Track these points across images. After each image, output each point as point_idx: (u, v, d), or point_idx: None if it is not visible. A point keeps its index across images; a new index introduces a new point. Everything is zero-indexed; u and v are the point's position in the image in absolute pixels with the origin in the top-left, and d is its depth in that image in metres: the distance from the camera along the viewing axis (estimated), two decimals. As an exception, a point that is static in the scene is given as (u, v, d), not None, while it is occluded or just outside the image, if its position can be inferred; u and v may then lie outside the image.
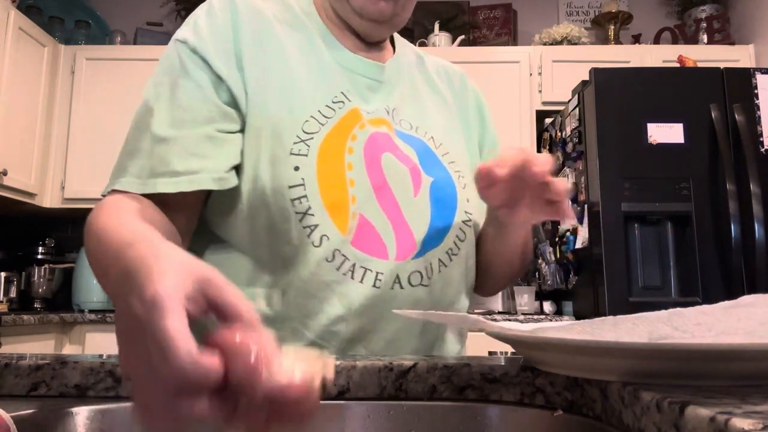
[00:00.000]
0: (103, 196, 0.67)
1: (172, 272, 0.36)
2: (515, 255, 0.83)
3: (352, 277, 0.68)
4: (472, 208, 0.79)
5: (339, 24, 0.79)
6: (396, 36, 0.88)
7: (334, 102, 0.73)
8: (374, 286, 0.68)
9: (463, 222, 0.77)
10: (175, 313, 0.33)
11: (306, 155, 0.68)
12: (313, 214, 0.67)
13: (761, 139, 2.31)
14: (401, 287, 0.70)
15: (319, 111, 0.71)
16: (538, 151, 2.98)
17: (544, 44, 3.17)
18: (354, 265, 0.68)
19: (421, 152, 0.76)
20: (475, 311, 2.72)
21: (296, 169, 0.67)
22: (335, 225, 0.68)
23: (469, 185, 0.79)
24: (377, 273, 0.69)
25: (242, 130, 0.70)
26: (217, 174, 0.66)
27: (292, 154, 0.68)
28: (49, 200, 2.98)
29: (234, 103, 0.69)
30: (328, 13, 0.80)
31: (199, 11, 0.73)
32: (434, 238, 0.73)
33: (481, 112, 0.91)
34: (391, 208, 0.71)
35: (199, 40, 0.69)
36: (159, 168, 0.64)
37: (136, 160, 0.65)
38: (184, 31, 0.71)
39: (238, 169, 0.69)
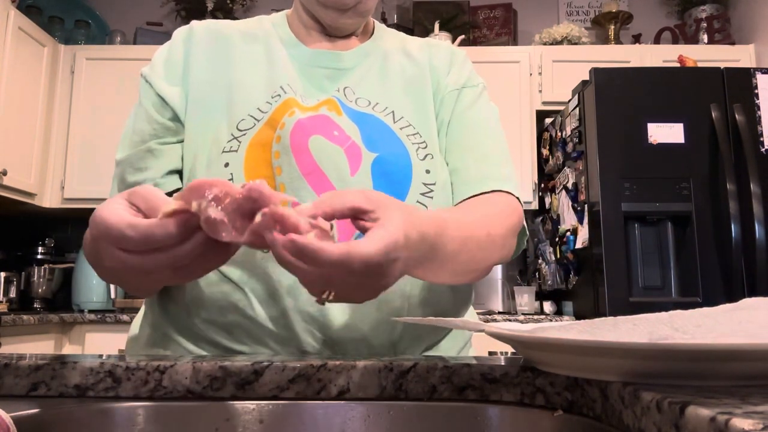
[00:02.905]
0: None
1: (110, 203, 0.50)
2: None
3: None
4: (434, 177, 0.76)
5: (307, 25, 0.84)
6: (381, 27, 0.90)
7: (272, 97, 0.76)
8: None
9: (421, 194, 0.75)
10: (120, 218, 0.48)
11: (236, 151, 0.72)
12: None
13: (761, 139, 2.31)
14: None
15: (258, 108, 0.75)
16: (539, 151, 2.98)
17: (545, 44, 3.17)
18: None
19: (371, 129, 0.76)
20: (475, 311, 2.71)
21: (226, 165, 0.72)
22: None
23: (435, 155, 0.78)
24: None
25: (184, 140, 0.77)
26: (154, 181, 0.74)
27: (224, 152, 0.73)
28: (49, 200, 2.98)
29: (176, 118, 0.77)
30: (299, 17, 0.85)
31: (164, 44, 0.83)
32: None
33: (451, 60, 0.87)
34: (326, 191, 0.71)
35: (151, 69, 0.80)
36: (121, 186, 0.76)
37: (113, 185, 0.79)
38: (147, 66, 0.82)
39: (182, 174, 0.77)
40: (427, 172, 0.76)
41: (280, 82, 0.78)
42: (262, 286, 0.70)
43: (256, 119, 0.74)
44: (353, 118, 0.76)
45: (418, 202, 0.75)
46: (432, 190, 0.76)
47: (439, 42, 0.92)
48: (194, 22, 0.84)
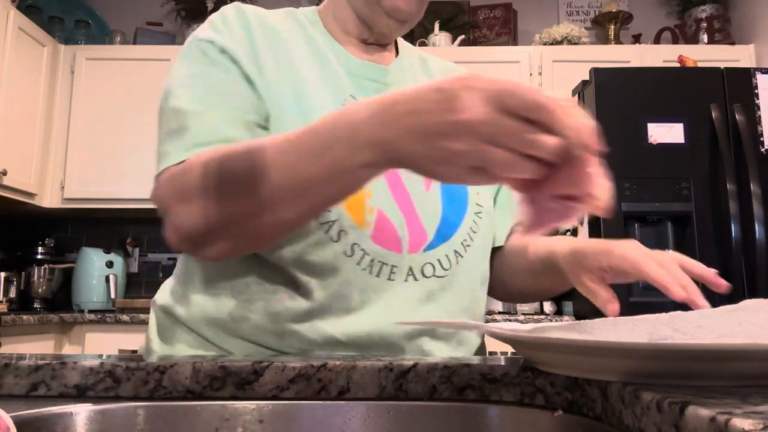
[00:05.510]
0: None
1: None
2: (547, 294, 0.85)
3: (370, 272, 0.69)
4: (483, 199, 0.80)
5: (349, 31, 0.81)
6: (399, 39, 0.88)
7: (343, 107, 0.73)
8: (389, 279, 0.70)
9: (475, 214, 0.78)
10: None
11: None
12: (330, 210, 0.68)
13: (761, 139, 2.31)
14: (415, 279, 0.71)
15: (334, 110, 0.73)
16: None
17: (545, 44, 3.17)
18: (372, 260, 0.69)
19: None
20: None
21: None
22: (352, 219, 0.69)
23: None
24: (392, 266, 0.70)
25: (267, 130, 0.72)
26: None
27: None
28: (49, 200, 2.98)
29: (262, 116, 0.71)
30: (339, 20, 0.81)
31: (215, 19, 0.74)
32: (447, 230, 0.75)
33: None
34: (405, 202, 0.73)
35: (226, 41, 0.71)
36: (209, 137, 0.66)
37: (185, 135, 0.66)
38: (206, 34, 0.72)
39: None
40: (477, 194, 0.79)
41: (345, 91, 0.75)
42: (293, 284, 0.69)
43: None
44: None
45: (473, 221, 0.77)
46: (480, 212, 0.79)
47: (453, 69, 0.92)
48: (240, 5, 0.76)
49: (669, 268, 0.60)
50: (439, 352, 0.73)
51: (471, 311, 0.77)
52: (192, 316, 0.74)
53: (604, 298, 0.63)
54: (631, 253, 0.62)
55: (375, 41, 0.82)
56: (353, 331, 0.69)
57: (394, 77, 0.81)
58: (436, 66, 0.90)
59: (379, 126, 0.48)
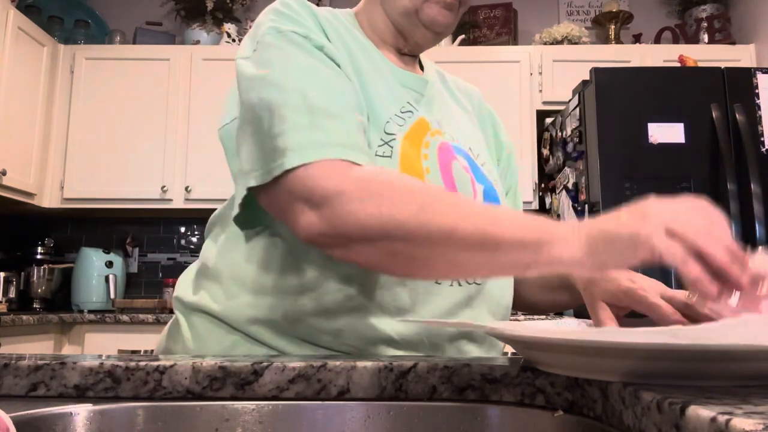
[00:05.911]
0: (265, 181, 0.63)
1: None
2: (560, 309, 0.92)
3: None
4: None
5: (386, 40, 0.81)
6: None
7: (402, 112, 0.75)
8: (436, 282, 0.72)
9: None
10: None
11: (390, 157, 0.71)
12: None
13: (762, 138, 2.31)
14: (459, 284, 0.74)
15: (395, 115, 0.74)
16: (539, 151, 2.98)
17: (545, 44, 3.17)
18: None
19: (469, 162, 0.79)
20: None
21: None
22: None
23: (501, 194, 0.84)
24: None
25: None
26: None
27: (377, 155, 0.70)
28: (48, 200, 2.97)
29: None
30: (375, 28, 0.81)
31: (286, 10, 0.71)
32: None
33: (495, 129, 0.95)
34: None
35: (316, 37, 0.69)
36: (345, 140, 0.63)
37: (328, 133, 0.62)
38: (288, 26, 0.69)
39: None
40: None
41: (402, 98, 0.76)
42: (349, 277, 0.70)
43: (398, 125, 0.73)
44: (457, 152, 0.78)
45: None
46: None
47: (470, 87, 0.95)
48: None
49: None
50: (475, 354, 0.75)
51: (499, 316, 0.80)
52: (237, 315, 0.72)
53: None
54: (657, 301, 0.66)
55: (409, 51, 0.83)
56: (407, 331, 0.70)
57: (429, 89, 0.82)
58: (453, 82, 0.92)
59: (582, 224, 0.55)
